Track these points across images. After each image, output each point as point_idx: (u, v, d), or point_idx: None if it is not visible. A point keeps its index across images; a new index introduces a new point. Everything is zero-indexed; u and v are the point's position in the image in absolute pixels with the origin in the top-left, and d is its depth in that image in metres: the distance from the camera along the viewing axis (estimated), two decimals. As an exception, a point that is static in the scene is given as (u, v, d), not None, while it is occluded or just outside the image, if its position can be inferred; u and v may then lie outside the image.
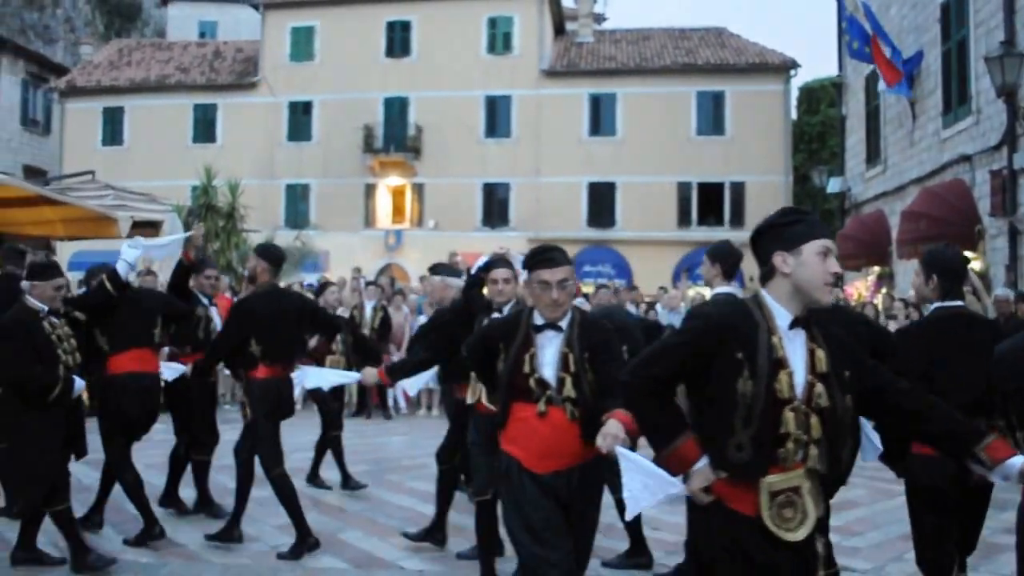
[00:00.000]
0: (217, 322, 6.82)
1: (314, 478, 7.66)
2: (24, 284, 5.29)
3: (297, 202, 30.87)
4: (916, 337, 4.13)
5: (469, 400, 5.05)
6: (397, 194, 30.54)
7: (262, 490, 7.20)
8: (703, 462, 2.63)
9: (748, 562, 2.56)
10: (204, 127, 31.73)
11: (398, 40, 30.72)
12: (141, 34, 47.82)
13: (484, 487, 4.94)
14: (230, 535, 5.77)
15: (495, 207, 29.79)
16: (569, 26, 33.15)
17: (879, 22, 17.25)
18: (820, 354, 2.64)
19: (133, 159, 30.69)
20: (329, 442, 7.66)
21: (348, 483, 7.50)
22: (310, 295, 11.86)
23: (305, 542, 5.60)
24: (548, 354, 3.58)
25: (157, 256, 5.98)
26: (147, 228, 12.99)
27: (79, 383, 5.20)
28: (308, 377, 5.67)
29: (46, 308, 5.24)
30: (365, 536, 6.15)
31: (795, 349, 2.63)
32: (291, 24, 31.38)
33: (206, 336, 6.66)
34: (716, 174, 28.41)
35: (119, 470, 5.76)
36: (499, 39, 30.21)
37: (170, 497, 6.68)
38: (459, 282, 5.94)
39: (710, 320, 2.72)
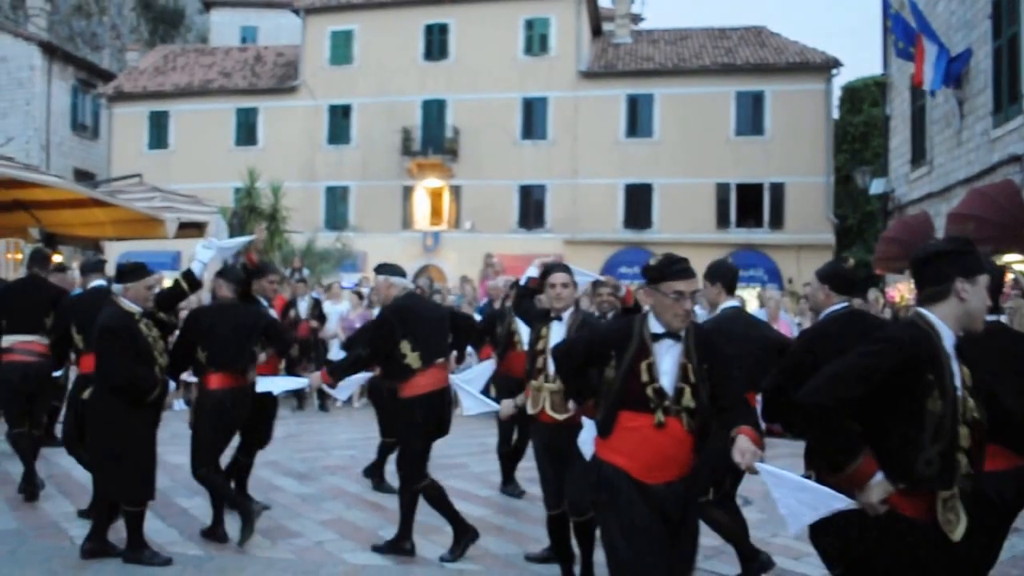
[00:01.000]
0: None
1: (379, 482, 7.66)
2: (116, 287, 5.43)
3: (337, 204, 31.23)
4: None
5: (531, 410, 4.98)
6: (434, 196, 30.77)
7: (306, 486, 7.50)
8: (880, 476, 2.88)
9: (922, 564, 2.86)
10: (246, 131, 32.22)
11: (436, 43, 30.95)
12: (184, 40, 48.63)
13: (557, 501, 4.93)
14: (215, 534, 5.87)
15: (531, 209, 29.89)
16: (606, 27, 33.15)
17: (926, 19, 16.96)
18: (966, 371, 2.95)
19: (178, 162, 31.26)
20: (388, 446, 7.64)
21: (381, 485, 7.58)
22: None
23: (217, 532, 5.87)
24: (666, 363, 3.50)
25: (226, 257, 6.14)
26: (193, 229, 13.33)
27: (172, 384, 5.39)
28: (259, 384, 5.96)
29: (140, 309, 5.37)
30: None
31: (956, 368, 2.93)
32: (331, 28, 31.73)
33: None
34: (755, 175, 28.25)
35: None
36: (536, 41, 30.31)
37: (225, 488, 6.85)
38: (404, 281, 5.98)
39: (903, 344, 2.91)
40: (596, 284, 6.06)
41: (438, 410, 5.64)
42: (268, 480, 7.73)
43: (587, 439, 3.90)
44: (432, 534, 6.11)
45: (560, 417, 4.79)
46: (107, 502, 5.36)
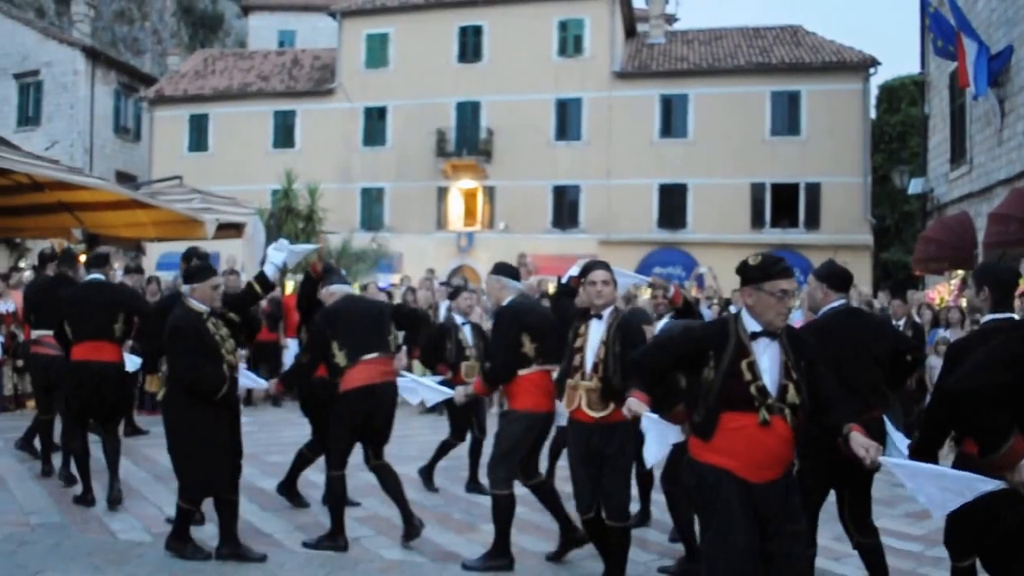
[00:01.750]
0: None
1: (428, 481, 7.66)
2: (184, 288, 5.54)
3: (372, 205, 31.49)
4: (967, 350, 4.15)
5: (566, 408, 4.92)
6: (469, 197, 30.92)
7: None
8: None
9: None
10: (284, 133, 32.60)
11: (470, 45, 31.10)
12: (223, 44, 49.27)
13: (589, 505, 4.90)
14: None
15: (565, 209, 29.94)
16: (640, 27, 33.10)
17: (965, 16, 16.77)
18: None
19: (217, 164, 31.70)
20: (444, 446, 7.69)
21: (429, 485, 7.61)
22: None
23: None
24: (765, 361, 3.51)
25: (292, 262, 6.25)
26: (231, 230, 13.60)
27: (243, 381, 5.49)
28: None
29: (208, 309, 5.45)
30: (442, 531, 6.23)
31: None
32: (366, 31, 32.00)
33: None
34: (791, 175, 28.06)
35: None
36: (570, 42, 30.34)
37: (290, 489, 6.93)
38: (343, 288, 6.19)
39: None
40: (651, 286, 6.06)
41: (366, 404, 5.74)
42: (305, 476, 7.80)
43: (653, 446, 3.96)
44: (466, 532, 6.18)
45: (597, 415, 4.77)
46: (218, 501, 5.43)
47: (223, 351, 5.38)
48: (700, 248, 27.05)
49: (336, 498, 5.80)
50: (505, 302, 5.63)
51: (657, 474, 6.17)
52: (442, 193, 31.01)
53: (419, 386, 6.15)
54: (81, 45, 34.36)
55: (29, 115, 34.23)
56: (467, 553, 5.70)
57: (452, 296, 7.79)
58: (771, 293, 3.52)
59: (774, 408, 3.44)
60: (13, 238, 14.45)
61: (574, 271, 5.34)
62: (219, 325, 5.48)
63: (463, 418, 7.55)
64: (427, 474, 7.69)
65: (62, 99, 33.73)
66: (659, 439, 4.09)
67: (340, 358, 5.78)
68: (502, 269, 5.89)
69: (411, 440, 9.43)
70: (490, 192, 30.58)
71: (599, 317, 4.90)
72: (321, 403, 6.39)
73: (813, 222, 27.96)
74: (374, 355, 5.78)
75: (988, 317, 4.13)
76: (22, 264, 14.20)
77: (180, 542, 5.41)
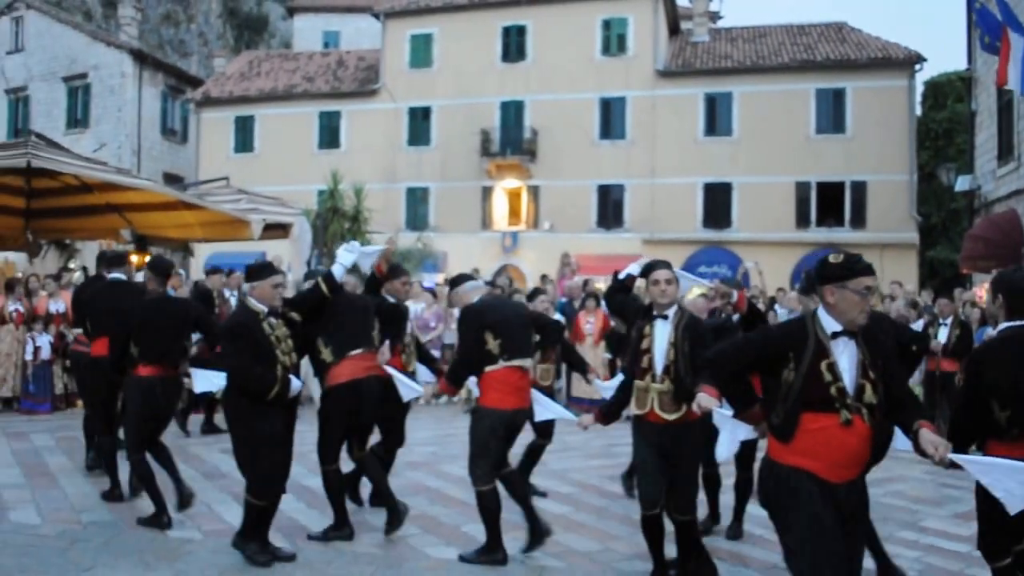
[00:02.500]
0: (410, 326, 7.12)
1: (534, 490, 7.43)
2: (244, 286, 5.55)
3: (417, 205, 31.61)
4: (988, 358, 4.20)
5: (636, 410, 4.90)
6: (513, 196, 30.92)
7: (388, 482, 7.52)
8: None
9: None
10: (329, 134, 32.83)
11: (513, 44, 31.10)
12: (269, 46, 49.79)
13: (655, 500, 4.87)
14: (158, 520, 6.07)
15: (610, 208, 29.81)
16: (684, 25, 32.92)
17: (1012, 11, 16.44)
18: None
19: (263, 165, 32.02)
20: (534, 449, 7.41)
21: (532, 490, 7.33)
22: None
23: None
24: (844, 361, 3.48)
25: (364, 264, 6.27)
26: (278, 230, 13.70)
27: (296, 383, 5.40)
28: (197, 380, 6.10)
29: (267, 309, 5.43)
30: (484, 530, 6.13)
31: None
32: (410, 32, 32.13)
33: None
34: (836, 173, 27.71)
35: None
36: (613, 40, 30.23)
37: (352, 489, 6.91)
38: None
39: None
40: (714, 290, 5.97)
41: (353, 400, 5.80)
42: (419, 481, 7.89)
43: (725, 441, 3.97)
44: (512, 531, 6.17)
45: (670, 417, 4.78)
46: (257, 496, 5.42)
47: (278, 352, 5.35)
48: (745, 247, 26.80)
49: (335, 490, 5.92)
50: (474, 301, 5.71)
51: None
52: (486, 193, 31.05)
53: (399, 382, 6.23)
54: (128, 48, 34.94)
55: (78, 118, 34.89)
56: (512, 551, 5.68)
57: (529, 299, 7.62)
58: (855, 291, 3.48)
59: (853, 408, 3.42)
60: (63, 239, 14.67)
61: (633, 269, 5.34)
62: (277, 325, 5.46)
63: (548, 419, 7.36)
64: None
65: (110, 102, 34.30)
66: (731, 435, 4.06)
67: (326, 354, 5.86)
68: (456, 281, 5.99)
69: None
70: (534, 191, 30.56)
71: (664, 317, 4.89)
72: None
73: (859, 220, 27.59)
74: (359, 351, 5.85)
75: (1004, 325, 4.15)
76: (72, 265, 14.41)
77: (245, 540, 5.40)
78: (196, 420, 10.48)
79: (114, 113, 34.23)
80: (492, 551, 5.51)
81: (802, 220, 28.07)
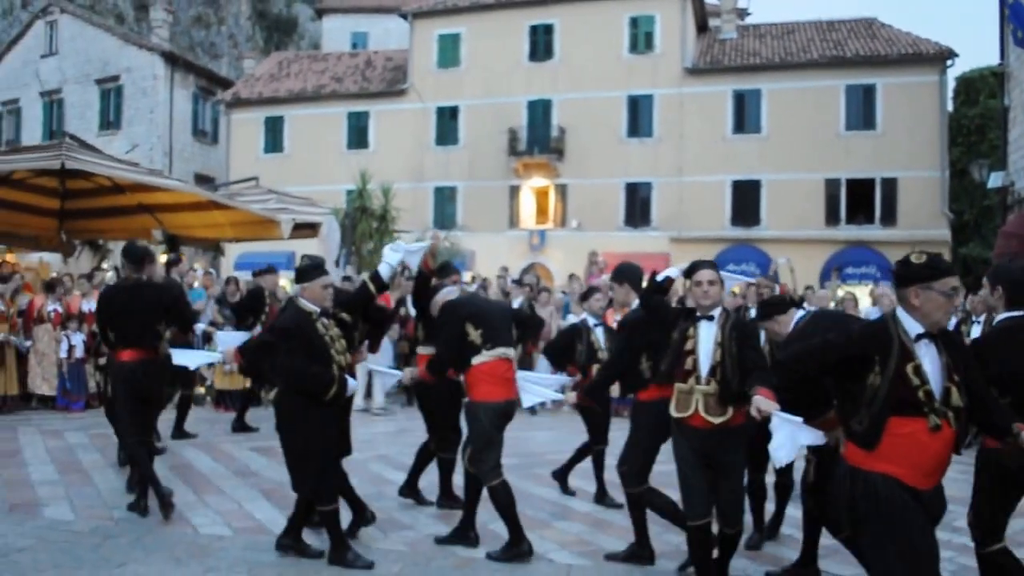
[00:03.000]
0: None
1: (563, 482, 7.49)
2: (294, 287, 5.54)
3: (445, 204, 31.70)
4: (990, 347, 4.29)
5: (677, 413, 4.73)
6: (541, 195, 30.92)
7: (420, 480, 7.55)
8: None
9: None
10: (357, 134, 33.00)
11: (541, 43, 31.10)
12: (298, 47, 50.13)
13: (704, 510, 4.70)
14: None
15: (637, 207, 29.73)
16: (712, 22, 32.74)
17: (1044, 5, 16.24)
18: None
19: (293, 165, 32.26)
20: (593, 455, 7.33)
21: (604, 499, 7.15)
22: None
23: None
24: (928, 364, 3.40)
25: (411, 262, 6.28)
26: (307, 230, 13.81)
27: (352, 383, 5.41)
28: (176, 356, 6.34)
29: (318, 309, 5.43)
30: None
31: None
32: (438, 32, 32.22)
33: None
34: (866, 170, 27.45)
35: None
36: (641, 38, 30.15)
37: (411, 488, 6.98)
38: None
39: None
40: (756, 285, 5.90)
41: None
42: (380, 473, 7.95)
43: (785, 446, 3.85)
44: (542, 529, 6.17)
45: (716, 421, 4.60)
46: (303, 500, 5.46)
47: (332, 352, 5.34)
48: (774, 245, 26.62)
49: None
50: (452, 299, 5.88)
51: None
52: (514, 192, 31.08)
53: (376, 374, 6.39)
54: (160, 50, 35.32)
55: (110, 119, 35.33)
56: (540, 550, 5.72)
57: (584, 298, 7.57)
58: (941, 292, 3.40)
59: (940, 412, 3.35)
60: (96, 239, 14.86)
61: (672, 272, 5.22)
62: (329, 325, 5.46)
63: (602, 421, 7.21)
64: (562, 476, 7.50)
65: (142, 103, 34.70)
66: (790, 439, 3.91)
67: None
68: (434, 291, 6.16)
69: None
70: (562, 190, 30.55)
71: (709, 318, 4.75)
72: (436, 401, 6.61)
73: (889, 218, 27.32)
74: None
75: (1003, 315, 4.20)
76: (104, 265, 14.60)
77: (339, 552, 5.33)
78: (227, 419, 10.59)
79: (146, 115, 34.61)
80: (516, 544, 5.55)
81: (831, 217, 27.85)
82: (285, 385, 5.36)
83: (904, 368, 3.37)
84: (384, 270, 5.91)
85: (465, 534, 5.84)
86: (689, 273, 4.89)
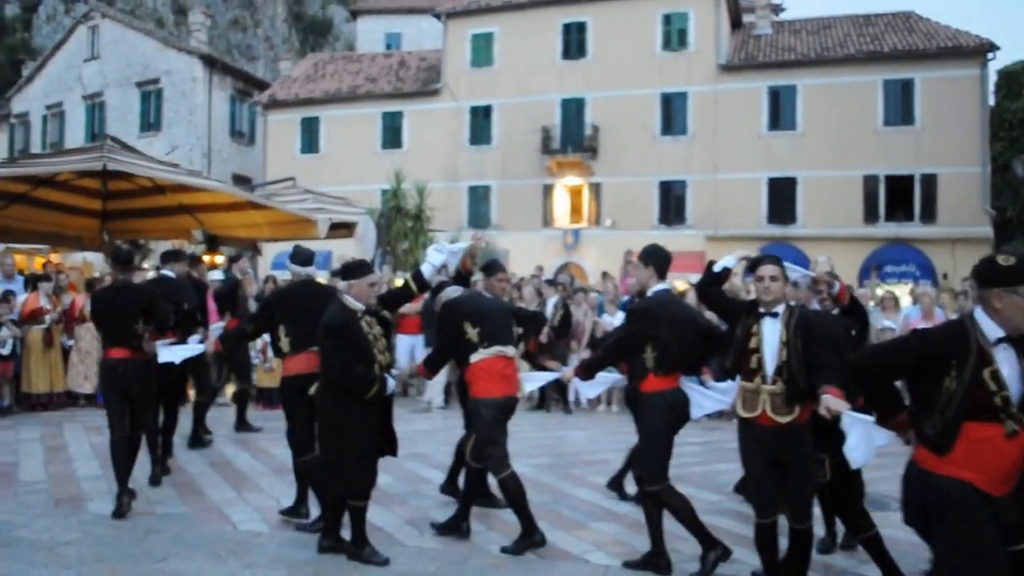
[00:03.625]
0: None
1: (618, 488, 7.30)
2: (340, 284, 5.56)
3: (479, 203, 31.78)
4: None
5: (744, 413, 4.66)
6: (574, 194, 30.89)
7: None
8: None
9: None
10: (392, 134, 33.17)
11: (574, 41, 31.07)
12: (333, 48, 50.49)
13: (772, 508, 4.66)
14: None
15: (672, 205, 29.60)
16: (746, 18, 32.48)
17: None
18: None
19: (328, 165, 32.52)
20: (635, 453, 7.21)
21: (621, 494, 7.22)
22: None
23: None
24: (1005, 368, 3.33)
25: (451, 262, 6.32)
26: (343, 229, 13.90)
27: (392, 382, 5.42)
28: (161, 353, 6.74)
29: (363, 307, 5.44)
30: (550, 528, 6.07)
31: None
32: (471, 31, 32.30)
33: None
34: (905, 166, 27.10)
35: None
36: (674, 35, 29.99)
37: (451, 485, 7.00)
38: (303, 270, 6.41)
39: None
40: (815, 281, 5.74)
41: (305, 392, 5.86)
42: (416, 472, 7.99)
43: (860, 446, 3.82)
44: (579, 530, 6.18)
45: (784, 420, 4.52)
46: (330, 499, 5.52)
47: (375, 350, 5.36)
48: (811, 243, 26.40)
49: (309, 478, 6.13)
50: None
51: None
52: (548, 190, 31.08)
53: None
54: (199, 53, 35.73)
55: (151, 122, 35.81)
56: (577, 551, 5.74)
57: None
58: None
59: (1017, 418, 3.28)
60: (137, 239, 15.08)
61: (728, 261, 5.07)
62: (372, 324, 5.46)
63: None
64: (618, 482, 7.34)
65: (181, 106, 35.14)
66: (865, 440, 3.87)
67: (284, 344, 6.13)
68: (438, 289, 6.26)
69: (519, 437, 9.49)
70: (596, 189, 30.50)
71: (773, 315, 4.64)
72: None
73: (929, 215, 26.95)
74: (315, 348, 5.88)
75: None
76: (145, 264, 14.83)
77: (359, 547, 5.40)
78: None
79: (185, 116, 35.04)
80: (529, 535, 5.61)
81: (870, 215, 27.53)
82: (326, 382, 5.37)
83: (981, 372, 3.29)
84: (427, 269, 5.92)
85: (458, 525, 5.94)
86: (752, 268, 4.79)
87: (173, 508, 6.58)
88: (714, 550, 5.19)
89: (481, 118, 32.02)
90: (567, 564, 5.51)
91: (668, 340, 5.21)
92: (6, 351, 10.99)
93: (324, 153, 33.74)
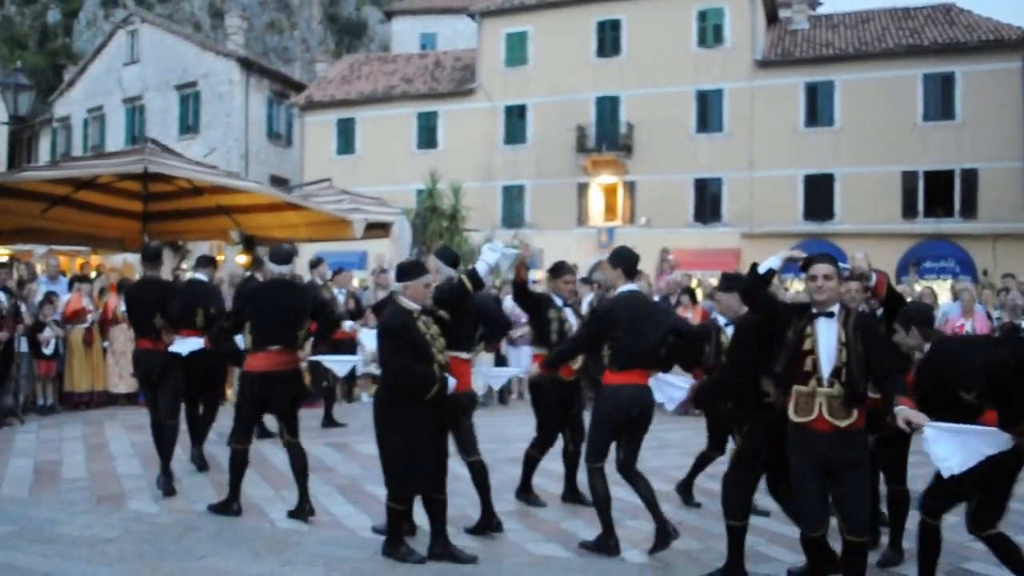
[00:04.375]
0: (573, 323, 6.88)
1: (686, 493, 7.14)
2: (396, 285, 5.62)
3: (513, 202, 31.80)
4: None
5: (797, 417, 4.49)
6: (609, 192, 30.80)
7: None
8: None
9: None
10: (427, 134, 33.30)
11: (608, 39, 30.97)
12: (368, 49, 50.75)
13: (823, 520, 4.49)
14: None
15: (707, 202, 29.41)
16: (782, 13, 32.15)
17: None
18: None
19: (364, 166, 32.71)
20: (703, 459, 7.12)
21: (690, 500, 7.06)
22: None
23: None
24: None
25: (502, 264, 6.31)
26: (379, 230, 13.97)
27: (452, 381, 5.38)
28: (178, 345, 7.19)
29: (419, 307, 5.42)
30: (586, 527, 6.15)
31: None
32: (505, 30, 32.32)
33: (560, 336, 6.72)
34: (945, 162, 26.70)
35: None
36: (710, 32, 29.81)
37: (574, 492, 6.99)
38: (279, 268, 6.54)
39: None
40: (852, 274, 5.60)
41: (262, 389, 6.25)
42: (451, 470, 7.99)
43: (957, 454, 3.75)
44: (615, 528, 6.15)
45: (842, 424, 4.34)
46: (408, 501, 5.46)
47: (433, 350, 5.33)
48: (849, 240, 26.08)
49: (235, 468, 6.37)
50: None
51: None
52: (582, 189, 31.02)
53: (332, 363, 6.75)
54: (236, 56, 36.09)
55: (189, 124, 36.25)
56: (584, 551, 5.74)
57: (713, 296, 7.42)
58: None
59: None
60: (176, 241, 15.26)
61: (773, 262, 4.87)
62: (429, 324, 5.45)
63: (723, 430, 6.83)
64: (686, 489, 7.17)
65: (219, 108, 35.52)
66: (961, 448, 3.82)
67: (247, 340, 6.28)
68: (443, 255, 6.27)
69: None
70: (631, 187, 30.39)
71: (828, 315, 4.48)
72: (550, 400, 6.66)
73: (970, 210, 26.53)
74: (276, 347, 6.20)
75: None
76: (184, 265, 15.00)
77: (393, 545, 5.42)
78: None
79: (223, 119, 35.41)
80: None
81: (909, 211, 27.17)
82: (386, 384, 5.37)
83: None
84: (481, 268, 5.88)
85: (489, 521, 6.03)
86: (805, 267, 4.63)
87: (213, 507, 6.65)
88: (607, 542, 5.62)
89: (516, 117, 32.03)
90: (602, 562, 5.51)
91: (627, 339, 5.52)
92: (49, 351, 11.19)
93: (360, 154, 33.93)
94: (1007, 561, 4.45)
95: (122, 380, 12.01)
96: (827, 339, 4.44)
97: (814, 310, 4.53)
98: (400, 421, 5.25)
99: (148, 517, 6.32)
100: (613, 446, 5.72)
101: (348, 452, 8.87)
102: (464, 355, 5.98)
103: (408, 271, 5.50)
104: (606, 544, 5.64)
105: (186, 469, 7.84)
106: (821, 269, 4.49)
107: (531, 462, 6.98)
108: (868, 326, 4.52)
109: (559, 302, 6.89)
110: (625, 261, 5.77)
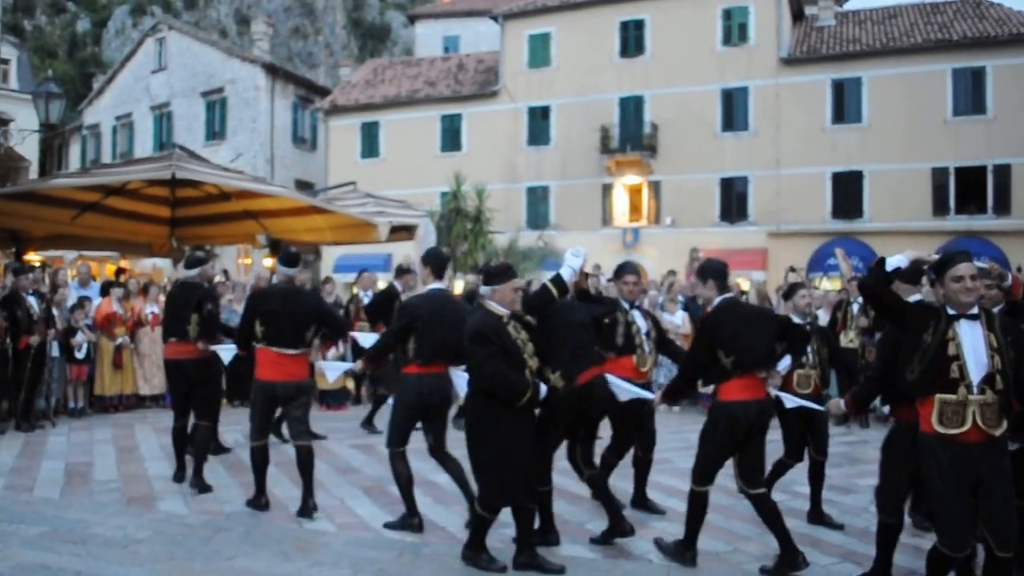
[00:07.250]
0: (641, 325, 6.73)
1: (818, 518, 6.65)
2: (483, 289, 5.39)
3: (538, 204, 31.76)
4: None
5: (945, 428, 4.16)
6: (634, 192, 30.70)
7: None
8: None
9: None
10: (451, 136, 33.35)
11: (632, 39, 30.88)
12: (391, 53, 50.96)
13: (966, 541, 4.15)
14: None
15: (733, 202, 29.23)
16: (808, 10, 31.90)
17: None
18: None
19: (389, 169, 32.80)
20: (780, 466, 6.84)
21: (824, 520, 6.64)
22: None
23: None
24: None
25: (575, 267, 6.18)
26: (403, 232, 14.04)
27: (543, 387, 5.19)
28: (220, 352, 7.32)
29: (508, 312, 5.28)
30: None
31: None
32: (528, 32, 32.31)
33: (626, 340, 6.60)
34: (977, 157, 26.34)
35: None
36: (734, 30, 29.64)
37: (643, 498, 6.91)
38: (287, 271, 6.58)
39: None
40: (986, 273, 5.18)
41: (275, 395, 6.47)
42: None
43: None
44: (641, 529, 6.09)
45: (997, 433, 4.08)
46: (498, 510, 5.28)
47: (525, 355, 5.18)
48: (878, 238, 25.88)
49: (255, 465, 6.60)
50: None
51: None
52: (607, 190, 30.94)
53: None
54: (261, 62, 36.32)
55: (216, 130, 36.52)
56: (639, 551, 5.69)
57: (787, 296, 7.03)
58: None
59: None
60: (204, 245, 15.41)
61: (900, 261, 4.55)
62: (519, 329, 5.29)
63: (799, 438, 6.64)
64: (816, 510, 6.74)
65: (245, 114, 35.76)
66: None
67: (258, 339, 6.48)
68: (432, 260, 6.20)
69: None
70: (655, 187, 30.28)
71: (972, 318, 4.18)
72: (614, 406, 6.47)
73: (1003, 207, 26.17)
74: (290, 351, 6.38)
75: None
76: (217, 267, 15.14)
77: (474, 551, 5.31)
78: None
79: (249, 124, 35.65)
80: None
81: (940, 208, 26.84)
82: (477, 391, 5.21)
83: None
84: (566, 273, 5.70)
85: (618, 528, 5.85)
86: (942, 267, 4.31)
87: (240, 507, 6.70)
88: (411, 520, 6.03)
89: (539, 119, 32.01)
90: (629, 563, 5.48)
91: (429, 333, 5.92)
92: (81, 355, 11.30)
93: (384, 157, 34.05)
94: None
95: (147, 383, 12.11)
96: (974, 343, 4.15)
97: (951, 311, 4.23)
98: (493, 429, 5.08)
99: (178, 518, 6.36)
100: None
101: (373, 454, 8.88)
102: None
103: (497, 274, 5.34)
104: (409, 522, 6.08)
105: (214, 471, 7.88)
106: (968, 269, 4.21)
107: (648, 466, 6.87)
108: (1017, 330, 4.29)
109: (624, 305, 6.72)
110: (435, 260, 6.13)
